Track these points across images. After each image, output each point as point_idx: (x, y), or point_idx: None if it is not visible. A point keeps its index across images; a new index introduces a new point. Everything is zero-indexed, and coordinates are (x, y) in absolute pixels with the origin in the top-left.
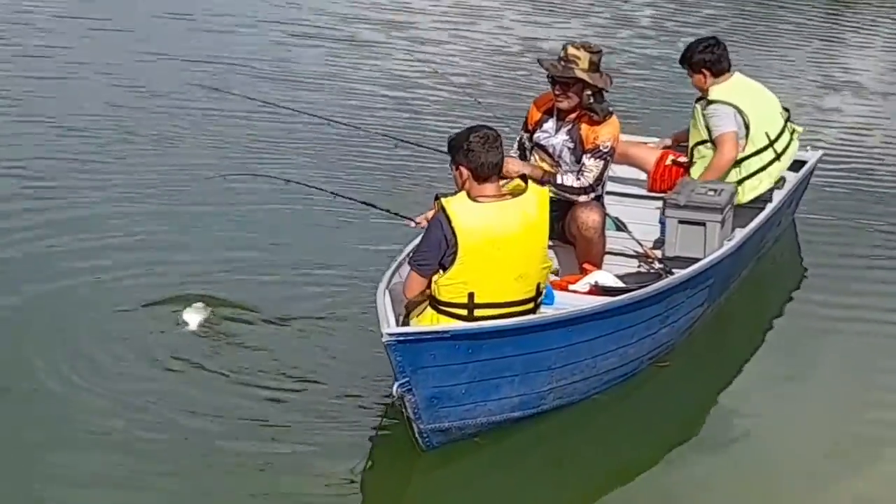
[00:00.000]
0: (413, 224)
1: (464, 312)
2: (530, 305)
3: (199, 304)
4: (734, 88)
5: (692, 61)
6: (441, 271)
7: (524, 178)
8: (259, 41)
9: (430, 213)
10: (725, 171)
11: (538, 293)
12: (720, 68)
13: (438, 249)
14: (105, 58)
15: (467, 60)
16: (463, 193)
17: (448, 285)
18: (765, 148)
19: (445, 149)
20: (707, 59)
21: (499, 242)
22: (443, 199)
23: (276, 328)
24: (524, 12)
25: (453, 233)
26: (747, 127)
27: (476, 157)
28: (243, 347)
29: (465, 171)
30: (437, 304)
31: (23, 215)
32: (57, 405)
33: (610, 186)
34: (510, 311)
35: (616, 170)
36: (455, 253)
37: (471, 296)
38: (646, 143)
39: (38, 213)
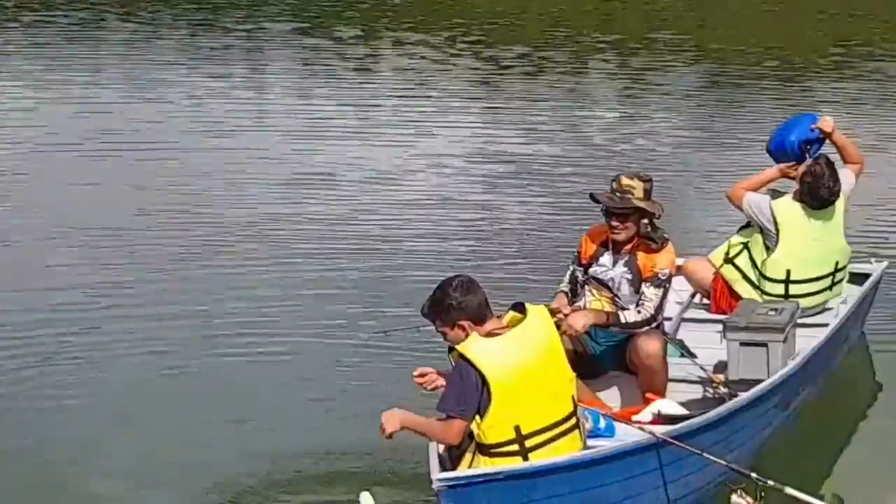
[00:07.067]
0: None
1: (516, 448)
2: (574, 421)
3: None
4: None
5: None
6: (478, 416)
7: (519, 307)
8: None
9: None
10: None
11: (575, 406)
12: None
13: (476, 392)
14: None
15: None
16: (473, 335)
17: (493, 426)
18: None
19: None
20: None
21: (526, 368)
22: (458, 347)
23: None
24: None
25: (480, 374)
26: None
27: (469, 304)
28: None
29: (465, 324)
30: (486, 450)
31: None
32: None
33: (669, 311)
34: (559, 431)
35: (674, 296)
36: (489, 393)
37: (517, 429)
38: (701, 259)
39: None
